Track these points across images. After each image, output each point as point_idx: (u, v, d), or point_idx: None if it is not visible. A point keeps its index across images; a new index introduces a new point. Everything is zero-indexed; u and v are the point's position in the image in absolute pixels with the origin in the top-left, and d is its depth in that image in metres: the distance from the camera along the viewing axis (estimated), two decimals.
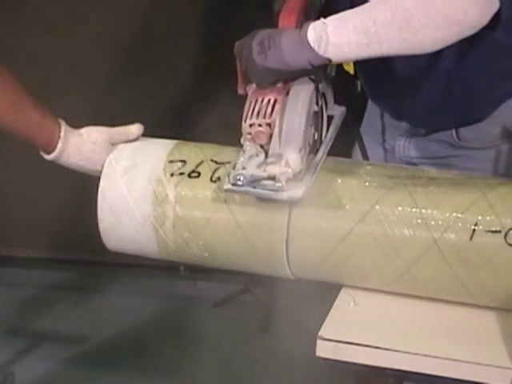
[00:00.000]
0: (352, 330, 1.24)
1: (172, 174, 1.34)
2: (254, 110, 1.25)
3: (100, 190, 1.37)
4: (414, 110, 1.50)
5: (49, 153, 1.37)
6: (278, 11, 1.29)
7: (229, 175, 1.24)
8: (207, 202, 1.31)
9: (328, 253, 1.27)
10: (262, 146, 1.25)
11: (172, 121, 2.49)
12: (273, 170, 1.21)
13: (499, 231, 1.20)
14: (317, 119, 1.31)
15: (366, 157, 1.60)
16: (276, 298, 2.75)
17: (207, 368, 2.49)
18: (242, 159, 1.24)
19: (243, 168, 1.23)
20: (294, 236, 1.28)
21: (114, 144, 1.40)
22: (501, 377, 1.15)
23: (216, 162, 1.34)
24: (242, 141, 1.26)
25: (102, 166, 1.38)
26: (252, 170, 1.22)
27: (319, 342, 1.21)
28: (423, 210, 1.23)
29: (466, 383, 1.16)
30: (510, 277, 1.20)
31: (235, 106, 1.29)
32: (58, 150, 1.36)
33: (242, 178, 1.22)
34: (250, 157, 1.25)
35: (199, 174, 1.33)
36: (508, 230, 1.20)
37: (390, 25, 1.16)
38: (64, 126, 1.37)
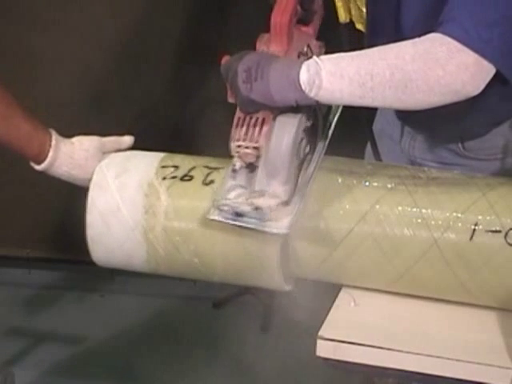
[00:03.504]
0: (352, 329, 1.23)
1: (164, 178, 1.33)
2: (241, 128, 1.23)
3: (90, 196, 1.35)
4: (413, 117, 1.50)
5: (40, 163, 1.36)
6: (273, 4, 1.25)
7: (215, 202, 1.23)
8: (200, 205, 1.30)
9: (328, 253, 1.27)
10: (251, 163, 1.24)
11: (163, 135, 2.49)
12: (258, 202, 1.20)
13: (499, 231, 1.20)
14: (309, 131, 1.28)
15: (377, 157, 1.58)
16: (276, 297, 2.75)
17: (207, 368, 2.49)
18: (226, 188, 1.23)
19: (228, 198, 1.22)
20: (294, 236, 1.28)
21: (105, 153, 1.40)
22: (501, 377, 1.15)
23: (208, 167, 1.33)
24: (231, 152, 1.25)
25: None
26: (238, 201, 1.21)
27: (319, 342, 1.21)
28: (423, 210, 1.23)
29: (466, 383, 1.16)
30: (510, 277, 1.20)
31: (229, 115, 1.27)
32: (49, 159, 1.35)
33: (227, 209, 1.21)
34: (236, 185, 1.24)
35: (192, 177, 1.33)
36: (508, 230, 1.20)
37: (388, 84, 1.14)
38: (55, 136, 1.37)
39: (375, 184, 1.28)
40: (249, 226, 1.21)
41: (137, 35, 2.55)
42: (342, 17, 1.50)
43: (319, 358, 1.22)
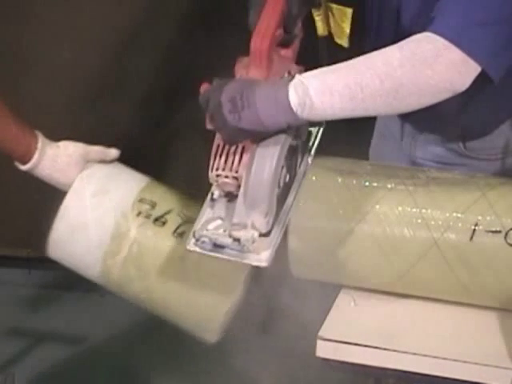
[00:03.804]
0: (352, 330, 1.24)
1: (139, 213, 1.34)
2: (220, 156, 1.19)
3: (64, 203, 1.37)
4: (414, 117, 1.50)
5: (25, 163, 1.37)
6: (255, 26, 1.21)
7: (194, 233, 1.20)
8: (164, 251, 1.32)
9: (328, 253, 1.27)
10: (230, 192, 1.21)
11: (163, 135, 2.49)
12: (238, 233, 1.17)
13: (499, 231, 1.20)
14: (289, 159, 1.24)
15: None
16: (276, 297, 2.74)
17: (207, 368, 2.48)
18: (205, 218, 1.21)
19: (207, 229, 1.19)
20: (294, 236, 1.28)
21: (89, 161, 1.40)
22: (501, 377, 1.15)
23: (184, 216, 1.34)
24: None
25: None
26: (217, 233, 1.19)
27: (319, 342, 1.22)
28: (423, 210, 1.23)
29: (466, 383, 1.16)
30: (510, 277, 1.20)
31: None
32: (33, 160, 1.36)
33: (206, 240, 1.18)
34: (215, 216, 1.21)
35: (164, 222, 1.34)
36: (508, 230, 1.20)
37: (378, 92, 1.12)
38: (41, 138, 1.38)
39: (375, 184, 1.28)
40: (229, 257, 1.18)
41: (136, 35, 2.55)
42: (320, 30, 1.45)
43: (319, 358, 1.22)
